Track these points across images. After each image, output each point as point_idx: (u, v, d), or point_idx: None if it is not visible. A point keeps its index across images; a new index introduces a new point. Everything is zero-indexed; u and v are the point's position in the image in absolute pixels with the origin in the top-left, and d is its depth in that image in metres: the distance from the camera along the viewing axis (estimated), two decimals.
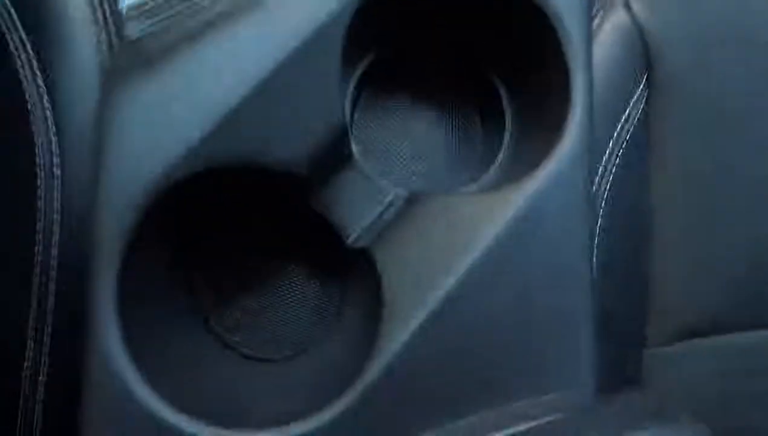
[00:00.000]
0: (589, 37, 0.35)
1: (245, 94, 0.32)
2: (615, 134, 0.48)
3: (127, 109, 0.32)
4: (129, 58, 0.34)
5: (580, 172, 0.34)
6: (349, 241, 0.38)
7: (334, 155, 0.37)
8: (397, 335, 0.32)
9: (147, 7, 0.35)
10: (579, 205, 0.34)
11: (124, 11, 0.35)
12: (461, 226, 0.34)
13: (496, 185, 0.38)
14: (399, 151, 0.42)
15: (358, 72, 0.41)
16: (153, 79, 0.33)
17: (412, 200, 0.37)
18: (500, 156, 0.40)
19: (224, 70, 0.33)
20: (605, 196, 0.48)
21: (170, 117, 0.32)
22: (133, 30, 0.35)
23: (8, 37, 0.44)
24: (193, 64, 0.33)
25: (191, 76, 0.33)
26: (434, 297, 0.33)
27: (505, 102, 0.40)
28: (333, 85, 0.34)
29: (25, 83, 0.43)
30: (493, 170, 0.40)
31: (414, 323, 0.32)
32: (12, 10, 0.45)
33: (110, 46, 0.39)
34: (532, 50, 0.37)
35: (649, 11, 0.50)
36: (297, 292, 0.42)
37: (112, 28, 0.41)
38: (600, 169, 0.48)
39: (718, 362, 0.54)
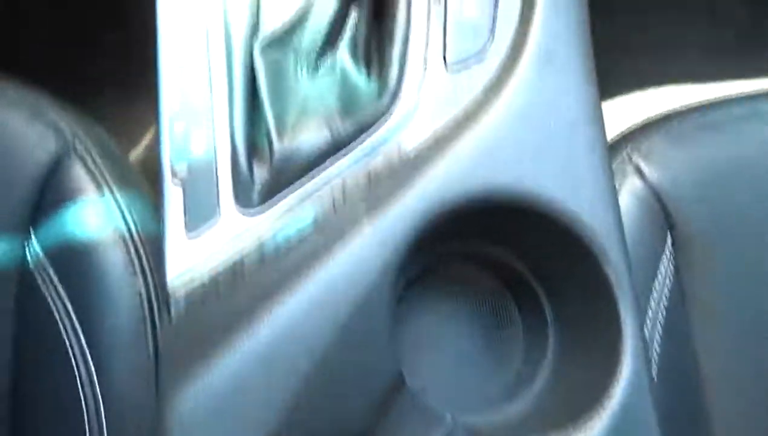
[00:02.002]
0: (628, 262, 0.36)
1: (305, 371, 0.32)
2: (652, 302, 0.48)
3: (181, 402, 0.32)
4: (178, 340, 0.34)
5: (645, 403, 0.33)
6: None
7: (390, 395, 0.36)
8: None
9: (193, 283, 0.35)
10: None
11: (169, 284, 0.35)
12: None
13: (544, 405, 0.37)
14: (443, 366, 0.42)
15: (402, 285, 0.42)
16: (206, 365, 0.33)
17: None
18: (542, 372, 0.40)
19: (279, 349, 0.33)
20: (656, 360, 0.48)
21: (229, 407, 0.32)
22: (179, 306, 0.35)
23: (45, 291, 0.45)
24: (247, 345, 0.33)
25: (247, 359, 0.33)
26: None
27: (548, 316, 0.40)
28: (387, 337, 0.34)
29: (68, 345, 0.43)
30: (537, 386, 0.40)
31: None
32: (48, 264, 0.46)
33: (155, 315, 0.40)
34: (573, 272, 0.38)
35: (660, 173, 0.52)
36: None
37: (158, 298, 0.41)
38: (646, 335, 0.48)
39: None
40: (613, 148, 0.53)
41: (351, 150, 0.37)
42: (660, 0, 0.98)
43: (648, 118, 0.58)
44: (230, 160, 0.37)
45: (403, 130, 0.38)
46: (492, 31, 0.39)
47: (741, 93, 0.59)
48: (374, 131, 0.37)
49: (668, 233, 0.51)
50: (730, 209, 0.52)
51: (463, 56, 0.39)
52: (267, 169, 0.37)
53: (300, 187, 0.36)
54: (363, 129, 0.37)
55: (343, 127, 0.37)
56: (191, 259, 0.36)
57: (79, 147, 0.46)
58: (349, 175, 0.36)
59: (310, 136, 0.37)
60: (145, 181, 0.49)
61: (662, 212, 0.51)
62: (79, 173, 0.46)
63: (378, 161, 0.37)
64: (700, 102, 0.58)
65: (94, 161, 0.46)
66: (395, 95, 0.38)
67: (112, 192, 0.45)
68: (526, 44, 0.39)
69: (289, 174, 0.37)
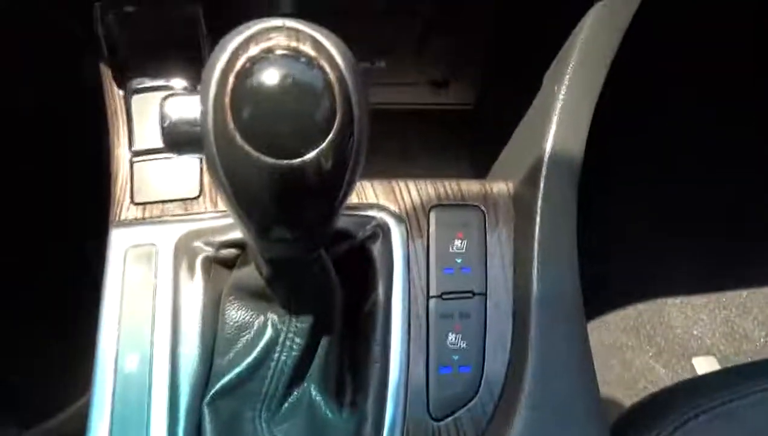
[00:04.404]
0: None
1: None
2: None
3: None
4: None
5: None
6: None
7: None
8: None
9: None
10: None
11: None
12: None
13: None
14: None
15: None
16: None
17: None
18: None
19: None
20: None
21: None
22: None
23: None
24: None
25: None
26: None
27: None
28: None
29: None
30: None
31: None
32: None
33: None
34: None
35: None
36: None
37: None
38: None
39: None
40: None
41: None
42: (634, 215, 0.97)
43: (655, 398, 0.52)
44: None
45: None
46: (481, 376, 0.34)
47: (753, 365, 0.54)
48: None
49: None
50: None
51: (450, 408, 0.34)
52: None
53: None
54: None
55: None
56: None
57: None
58: None
59: None
60: None
61: None
62: None
63: None
64: (705, 377, 0.53)
65: None
66: None
67: None
68: (523, 388, 0.33)
69: None
